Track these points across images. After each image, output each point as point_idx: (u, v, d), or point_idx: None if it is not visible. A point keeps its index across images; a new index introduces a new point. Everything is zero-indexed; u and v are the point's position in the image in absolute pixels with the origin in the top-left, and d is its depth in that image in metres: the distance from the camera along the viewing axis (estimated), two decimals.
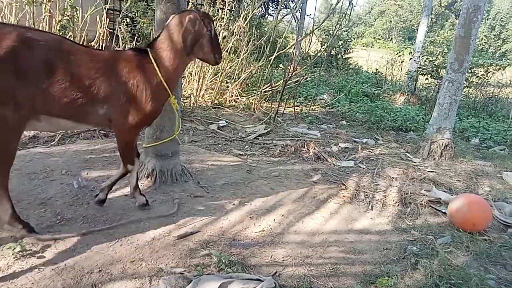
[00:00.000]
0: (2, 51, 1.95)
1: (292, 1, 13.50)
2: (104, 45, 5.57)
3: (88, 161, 3.45)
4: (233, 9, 7.02)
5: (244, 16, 6.18)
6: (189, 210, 2.86)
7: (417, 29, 12.42)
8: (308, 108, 7.14)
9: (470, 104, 9.96)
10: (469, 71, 8.87)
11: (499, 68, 9.84)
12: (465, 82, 6.60)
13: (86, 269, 2.05)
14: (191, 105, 5.74)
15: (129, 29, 6.43)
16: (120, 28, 5.63)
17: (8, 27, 2.13)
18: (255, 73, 7.13)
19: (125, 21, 6.09)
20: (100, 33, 5.41)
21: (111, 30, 5.89)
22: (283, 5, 10.00)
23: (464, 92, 9.60)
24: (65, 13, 4.71)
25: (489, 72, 9.78)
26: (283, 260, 2.38)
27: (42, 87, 2.10)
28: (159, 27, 3.00)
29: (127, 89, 2.34)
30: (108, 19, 5.44)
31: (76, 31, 4.92)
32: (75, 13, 4.83)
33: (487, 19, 41.68)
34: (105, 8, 5.29)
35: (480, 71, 9.64)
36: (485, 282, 2.25)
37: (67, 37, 4.92)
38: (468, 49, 5.02)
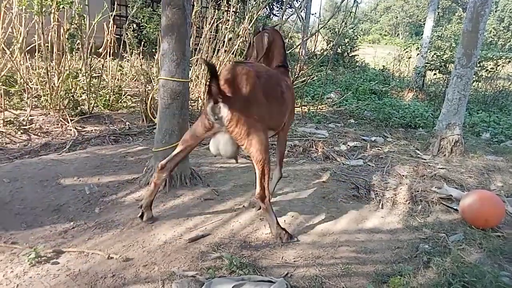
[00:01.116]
0: (251, 86, 2.38)
1: (296, 1, 13.51)
2: (111, 51, 5.65)
3: (99, 167, 3.49)
4: (238, 11, 7.03)
5: (249, 17, 6.18)
6: (199, 213, 2.89)
7: (424, 24, 12.31)
8: (316, 108, 7.12)
9: (479, 98, 9.83)
10: (478, 65, 8.75)
11: (509, 61, 9.67)
12: (474, 76, 6.51)
13: (100, 274, 2.09)
14: (199, 107, 5.77)
15: (136, 34, 6.50)
16: (127, 34, 5.70)
17: (247, 67, 2.44)
18: None
19: (132, 27, 6.16)
20: (107, 40, 5.49)
21: (118, 36, 5.97)
22: (288, 5, 9.99)
23: (474, 86, 9.48)
24: (73, 21, 4.78)
25: (498, 65, 9.63)
26: (294, 261, 2.38)
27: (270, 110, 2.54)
28: (165, 32, 3.03)
29: (292, 97, 2.95)
30: (115, 26, 5.51)
31: (84, 39, 5.00)
32: (82, 21, 4.90)
33: (496, 11, 41.11)
34: (111, 15, 5.36)
35: (489, 64, 9.49)
36: (499, 279, 2.22)
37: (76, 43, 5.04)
38: (476, 43, 4.96)
